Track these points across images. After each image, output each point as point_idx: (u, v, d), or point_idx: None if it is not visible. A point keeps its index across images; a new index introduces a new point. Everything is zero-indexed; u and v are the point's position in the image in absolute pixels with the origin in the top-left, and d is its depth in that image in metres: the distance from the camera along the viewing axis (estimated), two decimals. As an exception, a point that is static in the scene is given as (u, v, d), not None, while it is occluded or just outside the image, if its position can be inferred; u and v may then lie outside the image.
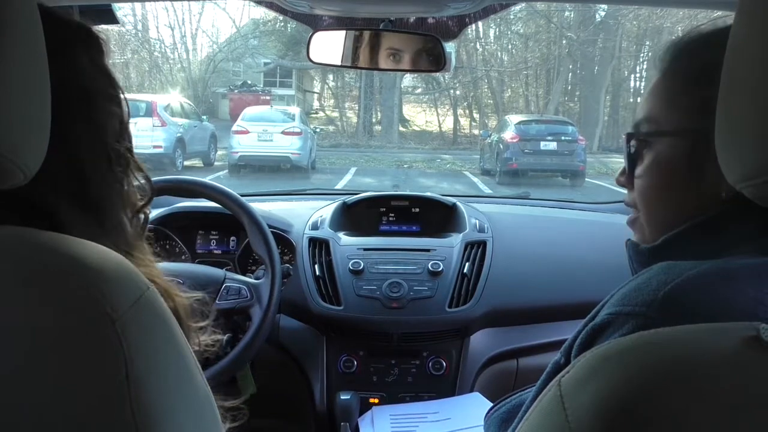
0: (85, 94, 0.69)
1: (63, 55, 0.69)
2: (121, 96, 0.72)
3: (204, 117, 12.79)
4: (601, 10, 16.01)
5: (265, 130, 10.72)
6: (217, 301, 1.29)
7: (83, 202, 0.64)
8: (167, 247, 1.57)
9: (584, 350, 0.56)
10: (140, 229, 0.73)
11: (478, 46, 18.46)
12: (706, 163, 0.61)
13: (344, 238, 1.56)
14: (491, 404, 0.87)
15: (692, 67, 0.65)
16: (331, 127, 18.32)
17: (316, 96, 19.88)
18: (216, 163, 11.96)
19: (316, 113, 19.40)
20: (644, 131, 0.69)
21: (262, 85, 18.82)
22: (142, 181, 0.73)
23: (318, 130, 15.10)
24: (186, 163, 10.81)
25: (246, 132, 10.69)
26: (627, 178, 0.71)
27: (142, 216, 0.73)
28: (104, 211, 0.67)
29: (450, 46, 1.20)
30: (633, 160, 0.69)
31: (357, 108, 18.78)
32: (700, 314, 0.49)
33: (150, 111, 9.95)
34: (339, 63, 1.16)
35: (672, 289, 0.51)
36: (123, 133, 0.72)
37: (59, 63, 0.69)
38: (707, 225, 0.62)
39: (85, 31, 0.71)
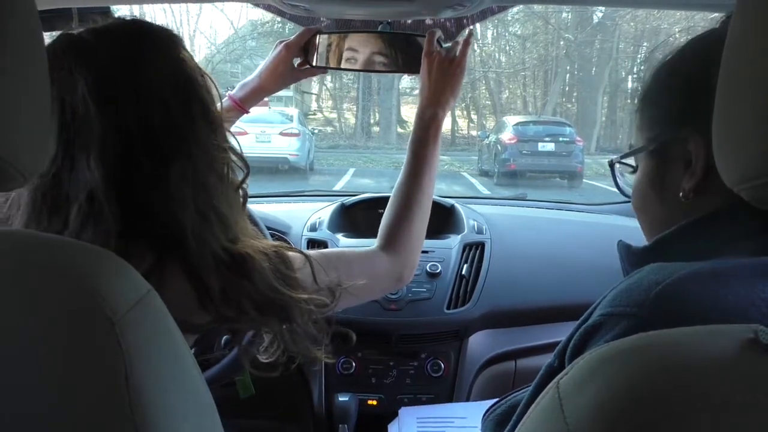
0: (200, 98, 0.69)
1: (169, 59, 0.68)
2: (214, 86, 0.72)
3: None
4: (599, 12, 16.01)
5: (263, 132, 10.66)
6: None
7: (206, 213, 0.67)
8: None
9: (578, 352, 0.56)
10: (242, 204, 0.75)
11: (475, 48, 18.44)
12: (667, 174, 0.65)
13: (343, 240, 1.55)
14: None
15: (645, 87, 0.69)
16: (329, 128, 18.29)
17: (314, 97, 19.84)
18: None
19: (314, 114, 19.35)
20: (619, 156, 0.74)
21: (260, 87, 18.68)
22: (235, 159, 0.74)
23: (316, 131, 15.08)
24: (184, 164, 10.77)
25: (244, 133, 10.56)
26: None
27: (241, 191, 0.76)
28: (225, 219, 0.69)
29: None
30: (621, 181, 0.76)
31: (355, 109, 18.75)
32: (691, 314, 0.49)
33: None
34: (334, 65, 1.16)
35: (663, 289, 0.51)
36: (224, 132, 0.73)
37: (172, 68, 0.68)
38: (699, 226, 0.62)
39: (169, 32, 0.70)
